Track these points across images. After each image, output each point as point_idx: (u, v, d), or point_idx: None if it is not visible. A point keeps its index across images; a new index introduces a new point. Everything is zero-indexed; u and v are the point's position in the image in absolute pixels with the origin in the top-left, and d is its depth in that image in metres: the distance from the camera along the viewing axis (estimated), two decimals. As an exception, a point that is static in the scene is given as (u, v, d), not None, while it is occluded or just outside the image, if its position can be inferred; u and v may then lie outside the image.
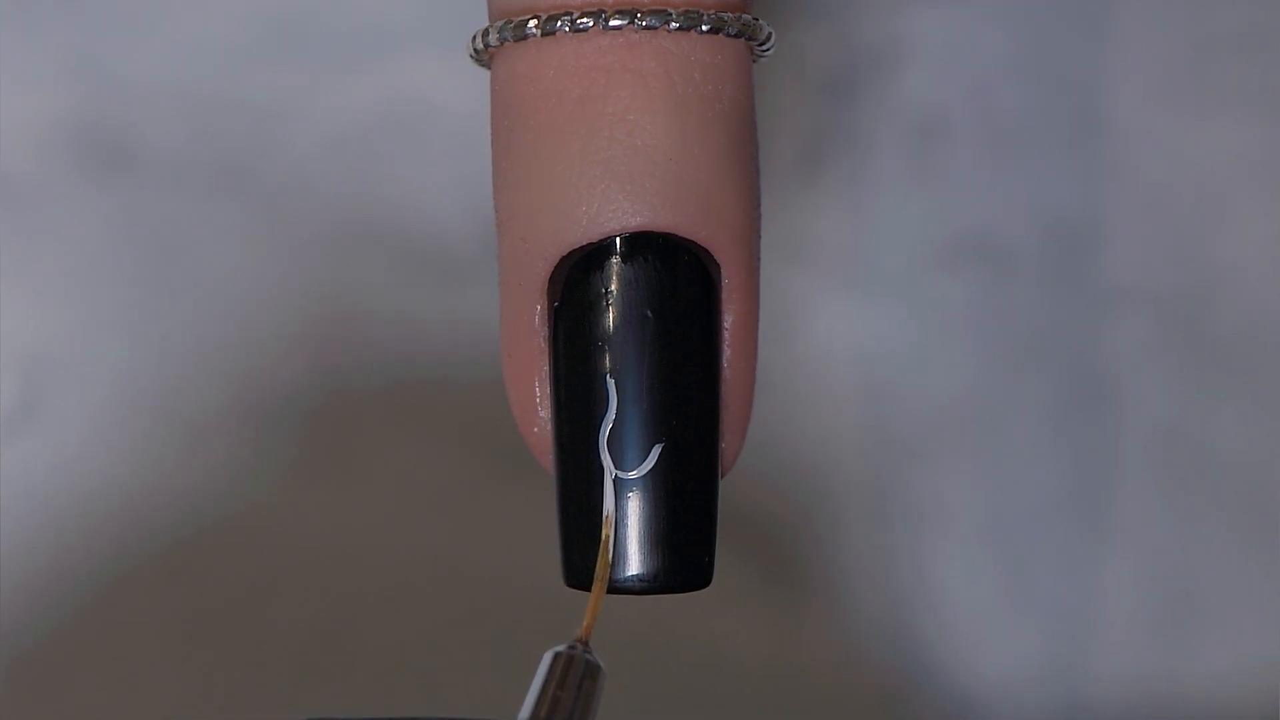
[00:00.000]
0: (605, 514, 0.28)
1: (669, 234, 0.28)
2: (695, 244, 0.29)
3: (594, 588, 0.28)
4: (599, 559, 0.28)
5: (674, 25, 0.28)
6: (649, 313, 0.28)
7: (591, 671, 0.27)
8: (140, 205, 0.44)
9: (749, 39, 0.29)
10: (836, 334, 0.45)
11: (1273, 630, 0.45)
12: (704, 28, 0.28)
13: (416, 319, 0.45)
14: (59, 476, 0.44)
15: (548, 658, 0.27)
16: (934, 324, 0.45)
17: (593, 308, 0.28)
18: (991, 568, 0.45)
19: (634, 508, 0.28)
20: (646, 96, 0.28)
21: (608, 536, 0.28)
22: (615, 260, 0.28)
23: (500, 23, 0.29)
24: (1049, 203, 0.45)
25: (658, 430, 0.28)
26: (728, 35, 0.29)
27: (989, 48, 0.45)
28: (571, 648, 0.27)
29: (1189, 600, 0.45)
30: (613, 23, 0.28)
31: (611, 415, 0.28)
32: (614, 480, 0.28)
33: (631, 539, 0.28)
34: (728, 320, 0.29)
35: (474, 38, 0.30)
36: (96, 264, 0.44)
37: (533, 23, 0.28)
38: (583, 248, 0.28)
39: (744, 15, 0.29)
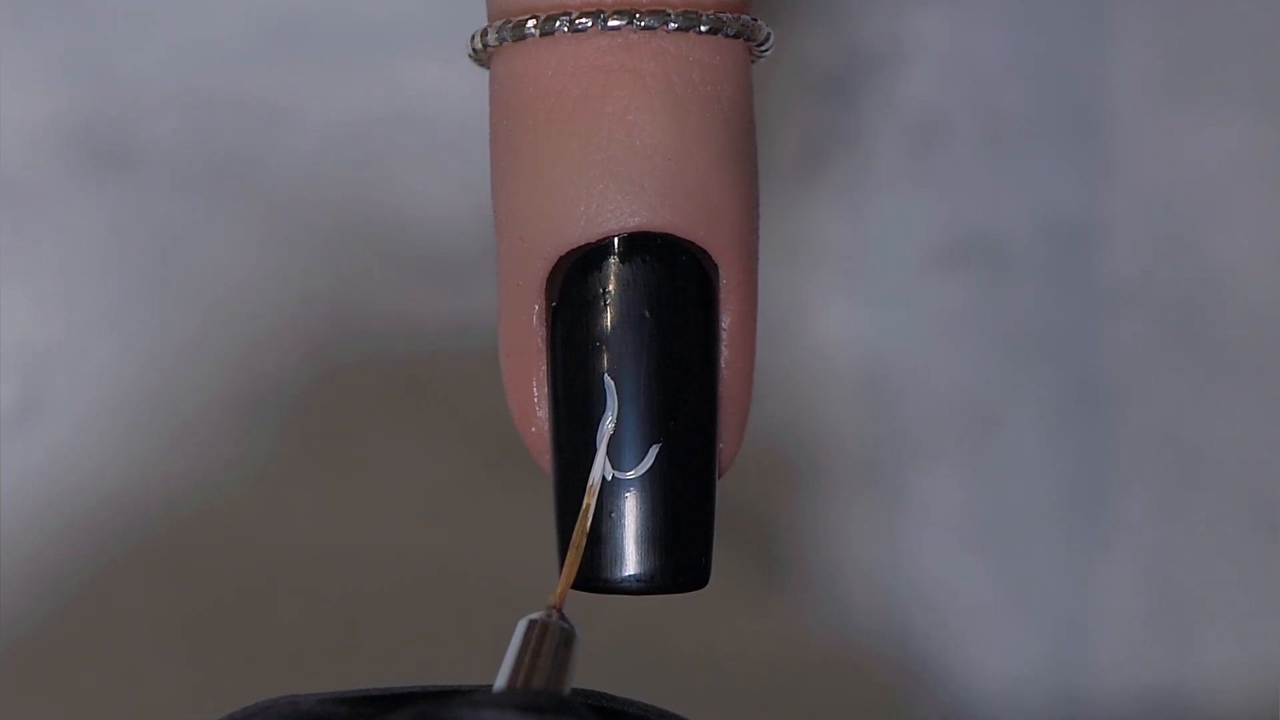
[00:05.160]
0: (590, 484, 0.28)
1: (667, 234, 0.28)
2: (693, 244, 0.29)
3: (569, 555, 0.28)
4: (576, 525, 0.28)
5: (672, 25, 0.28)
6: (647, 313, 0.28)
7: (566, 638, 0.26)
8: (139, 205, 0.44)
9: (748, 39, 0.29)
10: (836, 334, 0.45)
11: (1271, 629, 0.45)
12: (702, 28, 0.28)
13: (416, 319, 0.45)
14: (59, 476, 0.44)
15: (522, 625, 0.27)
16: (934, 324, 0.45)
17: (591, 308, 0.28)
18: (991, 567, 0.45)
19: (631, 508, 0.28)
20: (645, 96, 0.28)
21: (588, 505, 0.28)
22: (613, 260, 0.28)
23: (499, 23, 0.29)
24: (1049, 203, 0.45)
25: (655, 430, 0.28)
26: (726, 35, 0.29)
27: (989, 48, 0.45)
28: (546, 615, 0.27)
29: (1187, 599, 0.45)
30: (611, 23, 0.28)
31: (610, 416, 0.28)
32: (606, 433, 0.28)
33: (629, 539, 0.28)
34: (726, 320, 0.29)
35: (473, 38, 0.30)
36: (96, 264, 0.44)
37: (531, 23, 0.28)
38: (581, 248, 0.28)
39: (743, 16, 0.29)
